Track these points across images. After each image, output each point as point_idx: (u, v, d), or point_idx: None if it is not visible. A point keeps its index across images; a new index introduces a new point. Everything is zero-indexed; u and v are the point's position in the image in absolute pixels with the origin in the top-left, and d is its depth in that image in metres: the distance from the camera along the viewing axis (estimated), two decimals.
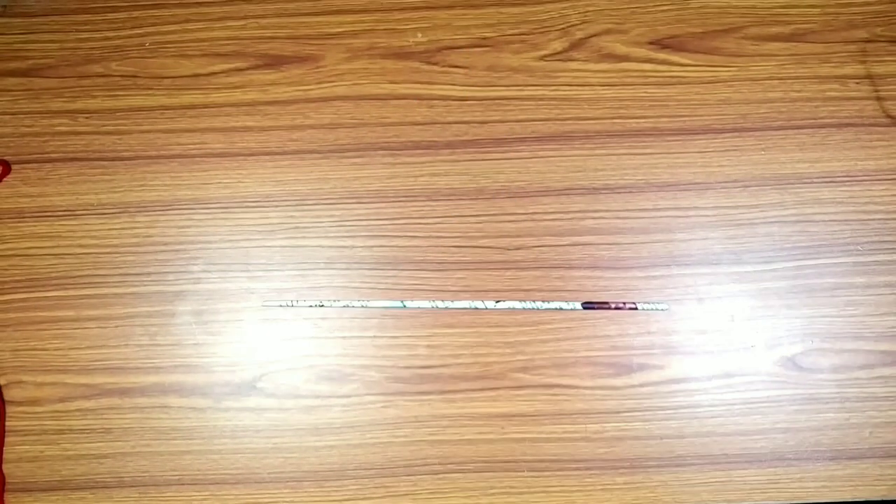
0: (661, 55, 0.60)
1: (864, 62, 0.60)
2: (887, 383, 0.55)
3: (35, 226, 0.58)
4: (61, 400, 0.56)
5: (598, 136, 0.59)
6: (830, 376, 0.55)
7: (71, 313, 0.57)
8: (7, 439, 0.56)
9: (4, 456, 0.55)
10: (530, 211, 0.58)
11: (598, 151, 0.59)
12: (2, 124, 0.60)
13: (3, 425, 0.56)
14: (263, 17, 0.62)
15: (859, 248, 0.57)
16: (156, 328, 0.57)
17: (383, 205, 0.58)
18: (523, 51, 0.61)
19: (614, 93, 0.60)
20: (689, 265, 0.57)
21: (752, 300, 0.56)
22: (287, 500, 0.55)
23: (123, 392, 0.56)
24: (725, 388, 0.55)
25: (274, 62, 0.61)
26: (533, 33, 0.61)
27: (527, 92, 0.60)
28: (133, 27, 0.62)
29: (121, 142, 0.60)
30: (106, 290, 0.57)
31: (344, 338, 0.56)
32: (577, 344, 0.55)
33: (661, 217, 0.58)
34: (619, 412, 0.55)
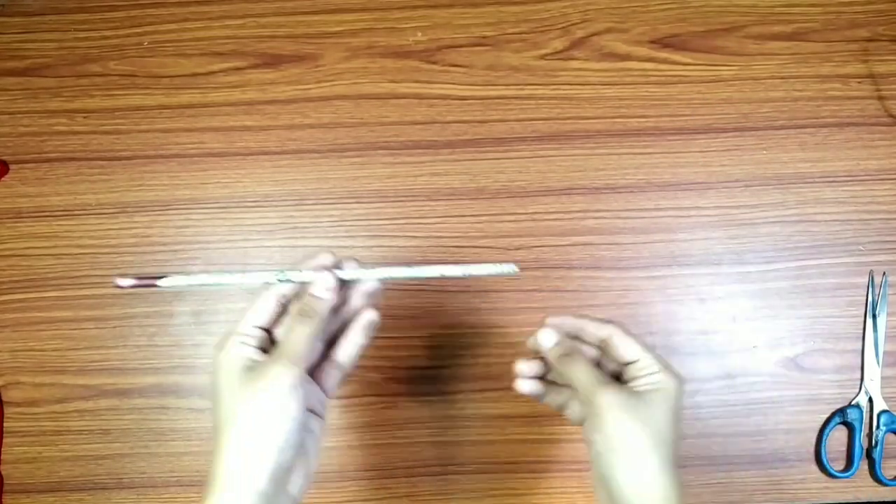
0: (663, 54, 0.60)
1: (866, 61, 0.60)
2: (889, 384, 0.55)
3: (33, 226, 0.58)
4: (59, 401, 0.56)
5: (599, 135, 0.59)
6: (832, 377, 0.55)
7: (69, 314, 0.57)
8: (5, 440, 0.55)
9: (2, 457, 0.55)
10: (531, 211, 0.58)
11: (598, 151, 0.58)
12: (0, 124, 0.60)
13: (1, 426, 0.55)
14: (262, 15, 0.62)
15: (861, 248, 0.57)
16: (154, 329, 0.56)
17: (383, 204, 0.58)
18: (524, 50, 0.61)
19: (615, 92, 0.60)
20: (690, 265, 0.57)
21: (753, 300, 0.56)
22: None
23: (122, 393, 0.56)
24: (727, 388, 0.55)
25: (273, 61, 0.61)
26: (533, 32, 0.61)
27: (527, 91, 0.60)
28: (131, 26, 0.62)
29: (119, 141, 0.59)
30: (104, 291, 0.57)
31: None
32: None
33: (662, 217, 0.57)
34: None
